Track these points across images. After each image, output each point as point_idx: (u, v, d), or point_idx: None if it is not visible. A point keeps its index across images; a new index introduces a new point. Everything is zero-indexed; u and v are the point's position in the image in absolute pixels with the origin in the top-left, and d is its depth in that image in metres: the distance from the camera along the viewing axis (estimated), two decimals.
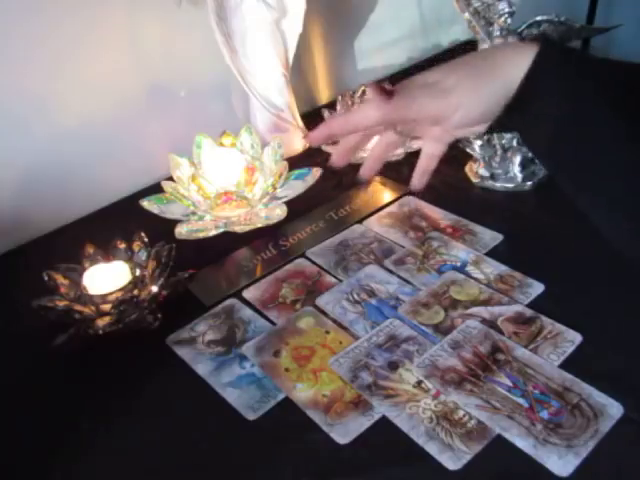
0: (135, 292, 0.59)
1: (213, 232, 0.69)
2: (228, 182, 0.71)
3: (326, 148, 0.85)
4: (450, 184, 0.76)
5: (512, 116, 0.42)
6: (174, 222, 0.70)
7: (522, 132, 0.44)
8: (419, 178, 0.51)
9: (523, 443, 0.44)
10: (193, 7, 0.78)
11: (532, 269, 0.60)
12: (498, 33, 0.68)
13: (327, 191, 0.77)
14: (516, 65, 0.40)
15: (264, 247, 0.69)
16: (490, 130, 0.44)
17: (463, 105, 0.42)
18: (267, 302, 0.61)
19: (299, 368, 0.53)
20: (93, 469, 0.48)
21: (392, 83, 0.83)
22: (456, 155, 0.77)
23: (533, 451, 0.44)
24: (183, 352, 0.56)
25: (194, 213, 0.71)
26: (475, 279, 0.60)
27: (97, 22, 0.73)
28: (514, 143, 0.73)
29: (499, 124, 0.43)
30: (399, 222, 0.70)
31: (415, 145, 0.82)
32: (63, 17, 0.70)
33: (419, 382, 0.50)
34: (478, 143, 0.73)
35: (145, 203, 0.70)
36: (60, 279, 0.59)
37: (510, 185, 0.73)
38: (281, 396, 0.51)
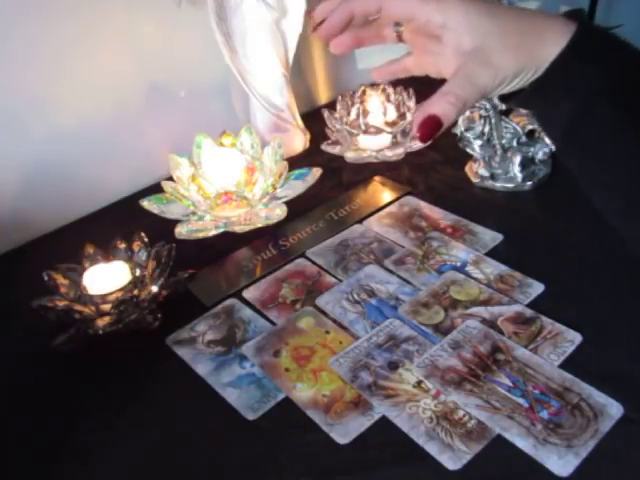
0: (135, 292, 0.59)
1: (213, 232, 0.69)
2: (228, 182, 0.71)
3: (326, 148, 0.85)
4: (450, 184, 0.76)
5: (535, 94, 0.40)
6: (174, 222, 0.70)
7: (540, 113, 0.43)
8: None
9: (523, 443, 0.44)
10: (192, 7, 0.78)
11: (532, 269, 0.60)
12: None
13: (327, 191, 0.77)
14: (546, 40, 0.39)
15: (264, 247, 0.69)
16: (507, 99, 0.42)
17: (449, 21, 0.39)
18: (267, 302, 0.61)
19: (299, 368, 0.53)
20: (93, 469, 0.48)
21: (392, 84, 0.84)
22: (456, 155, 0.77)
23: (533, 451, 0.44)
24: (183, 352, 0.56)
25: (194, 213, 0.71)
26: (475, 279, 0.60)
27: (96, 22, 0.73)
28: (514, 143, 0.73)
29: (521, 99, 0.41)
30: (399, 222, 0.70)
31: (415, 145, 0.82)
32: (62, 17, 0.70)
33: (419, 382, 0.50)
34: (478, 143, 0.73)
35: (145, 203, 0.70)
36: (60, 279, 0.59)
37: (510, 185, 0.73)
38: (281, 396, 0.51)
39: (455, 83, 0.40)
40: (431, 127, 0.39)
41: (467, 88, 0.39)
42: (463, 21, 0.39)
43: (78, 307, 0.57)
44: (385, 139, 0.82)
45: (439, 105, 0.39)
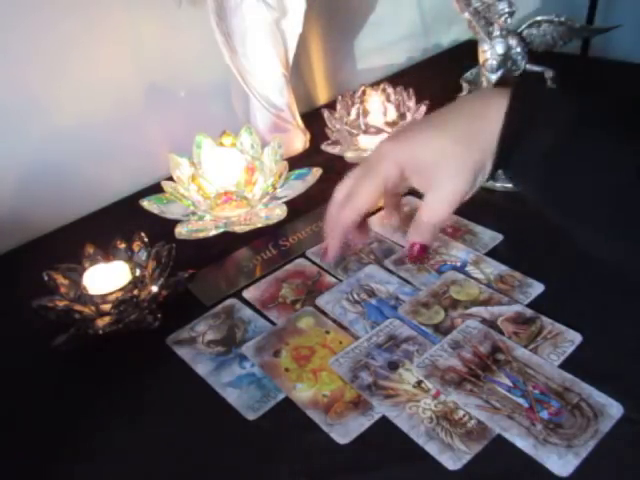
0: (135, 292, 0.59)
1: (213, 232, 0.69)
2: (228, 182, 0.71)
3: (326, 148, 0.85)
4: None
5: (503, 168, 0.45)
6: (174, 222, 0.70)
7: (515, 180, 0.48)
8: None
9: (523, 443, 0.44)
10: (192, 7, 0.78)
11: (532, 269, 0.60)
12: (498, 33, 0.69)
13: (327, 191, 0.77)
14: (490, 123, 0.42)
15: (264, 247, 0.69)
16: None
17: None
18: (267, 302, 0.61)
19: (299, 368, 0.53)
20: (93, 469, 0.48)
21: (392, 84, 0.84)
22: None
23: (533, 451, 0.44)
24: (183, 352, 0.56)
25: (194, 213, 0.71)
26: (475, 279, 0.60)
27: (96, 22, 0.73)
28: None
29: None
30: (399, 222, 0.70)
31: None
32: (61, 16, 0.70)
33: (419, 382, 0.50)
34: None
35: (145, 203, 0.70)
36: (60, 279, 0.59)
37: (510, 185, 0.73)
38: (281, 396, 0.51)
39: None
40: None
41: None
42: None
43: (78, 307, 0.58)
44: None
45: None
